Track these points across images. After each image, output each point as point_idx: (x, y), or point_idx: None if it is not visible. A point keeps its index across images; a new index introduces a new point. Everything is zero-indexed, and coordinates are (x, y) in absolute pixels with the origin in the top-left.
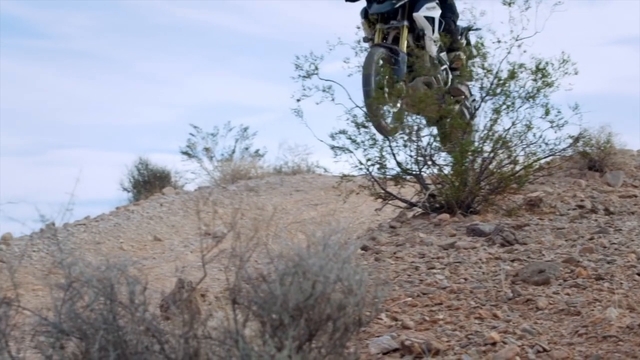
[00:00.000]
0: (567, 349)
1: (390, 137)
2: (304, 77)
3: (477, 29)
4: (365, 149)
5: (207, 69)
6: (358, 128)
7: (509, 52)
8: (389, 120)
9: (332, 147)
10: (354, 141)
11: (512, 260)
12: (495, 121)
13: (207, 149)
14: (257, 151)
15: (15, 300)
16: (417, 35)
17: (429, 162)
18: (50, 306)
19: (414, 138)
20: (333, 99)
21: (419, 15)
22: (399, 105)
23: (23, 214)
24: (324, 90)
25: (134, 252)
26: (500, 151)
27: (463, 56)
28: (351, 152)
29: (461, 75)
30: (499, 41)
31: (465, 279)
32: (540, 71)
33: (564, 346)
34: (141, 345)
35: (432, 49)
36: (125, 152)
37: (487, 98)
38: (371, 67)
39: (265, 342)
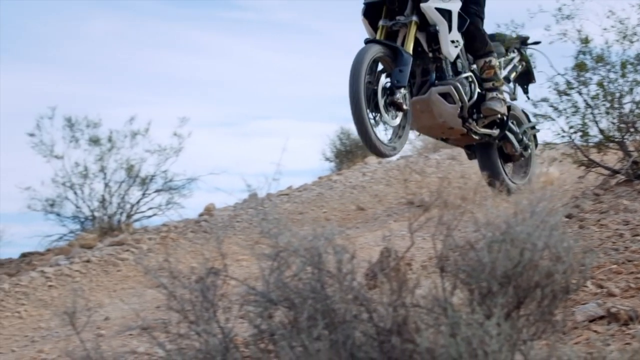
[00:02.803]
0: None
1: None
2: None
3: (535, 43)
4: (567, 117)
5: None
6: (560, 95)
7: None
8: (387, 138)
9: (535, 115)
10: (556, 109)
11: None
12: None
13: None
14: None
15: (222, 270)
16: (431, 35)
17: (632, 129)
18: (257, 276)
19: (616, 105)
20: (535, 67)
21: (429, 7)
22: (398, 120)
23: (225, 185)
24: None
25: (337, 222)
26: None
27: (496, 62)
28: (553, 119)
29: (495, 88)
30: None
31: None
32: None
33: None
34: (349, 313)
35: (450, 50)
36: (325, 123)
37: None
38: (360, 73)
39: (474, 310)
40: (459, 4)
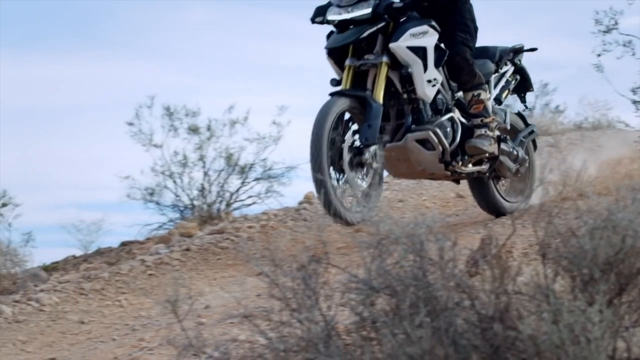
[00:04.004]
0: None
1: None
2: (604, 32)
3: (531, 50)
4: None
5: (504, 25)
6: None
7: None
8: (354, 202)
9: (634, 102)
10: None
11: None
12: None
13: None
14: (556, 107)
15: (324, 258)
16: (405, 75)
17: None
18: (358, 263)
19: None
20: (634, 54)
21: (400, 47)
22: (368, 180)
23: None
24: (624, 45)
25: (437, 210)
26: None
27: (485, 96)
28: None
29: (484, 124)
30: None
31: None
32: None
33: None
34: (451, 301)
35: (427, 91)
36: None
37: None
38: (323, 134)
39: (576, 296)
40: (435, 37)
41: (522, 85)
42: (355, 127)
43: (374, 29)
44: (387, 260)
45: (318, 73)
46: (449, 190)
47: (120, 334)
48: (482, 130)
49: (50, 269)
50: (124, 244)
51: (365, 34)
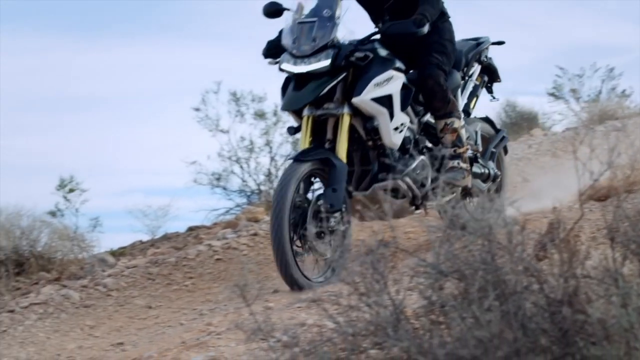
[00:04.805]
0: None
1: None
2: None
3: (498, 43)
4: None
5: (571, 9)
6: None
7: None
8: (317, 271)
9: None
10: None
11: None
12: None
13: (573, 91)
14: (623, 91)
15: (392, 242)
16: (369, 127)
17: None
18: (427, 248)
19: None
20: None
21: (364, 101)
22: (330, 251)
23: None
24: None
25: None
26: None
27: (459, 123)
28: None
29: (457, 155)
30: None
31: None
32: None
33: None
34: (520, 285)
35: (394, 140)
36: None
37: None
38: (285, 206)
39: None
40: (401, 79)
41: (490, 78)
42: (319, 183)
43: (334, 82)
44: (455, 244)
45: None
46: (515, 175)
47: (187, 319)
48: (455, 162)
49: (118, 254)
50: (191, 229)
51: (325, 90)
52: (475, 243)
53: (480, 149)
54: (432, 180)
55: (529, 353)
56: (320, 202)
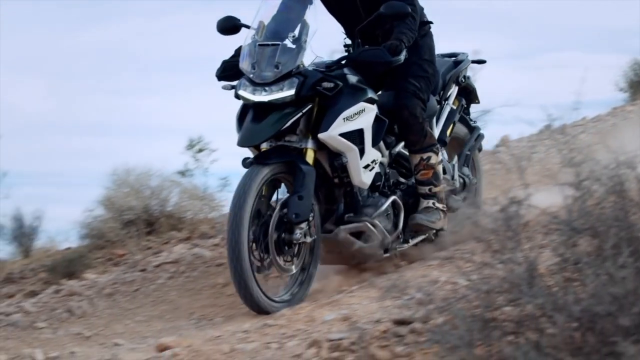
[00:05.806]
0: None
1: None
2: None
3: (479, 62)
4: None
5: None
6: None
7: None
8: (280, 289)
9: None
10: None
11: None
12: None
13: None
14: None
15: (525, 200)
16: (337, 164)
17: None
18: (559, 205)
19: None
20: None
21: (331, 137)
22: (298, 263)
23: (519, 117)
24: None
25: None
26: None
27: (436, 159)
28: None
29: (432, 194)
30: None
31: None
32: None
33: None
34: None
35: (364, 179)
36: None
37: None
38: (243, 216)
39: None
40: (374, 111)
41: (467, 100)
42: (283, 188)
43: (298, 115)
44: (588, 201)
45: (509, 18)
46: None
47: (319, 278)
48: (430, 202)
49: None
50: None
51: (288, 124)
52: (607, 200)
53: (458, 185)
54: (405, 222)
55: None
56: (285, 211)
